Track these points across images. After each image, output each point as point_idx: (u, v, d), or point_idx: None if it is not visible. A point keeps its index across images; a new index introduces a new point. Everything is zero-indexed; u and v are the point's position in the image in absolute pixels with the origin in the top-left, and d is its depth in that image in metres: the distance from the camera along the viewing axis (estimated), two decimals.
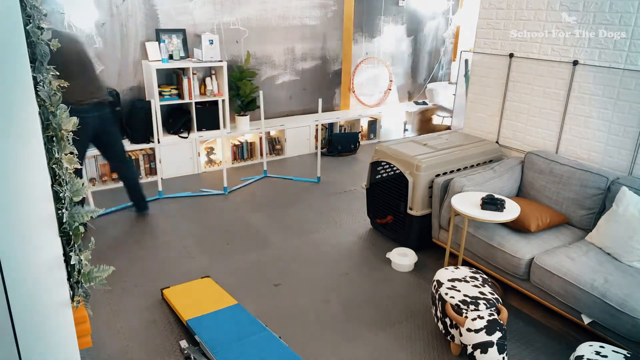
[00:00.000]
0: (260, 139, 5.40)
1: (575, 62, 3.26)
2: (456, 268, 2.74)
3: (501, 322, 2.31)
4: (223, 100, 5.08)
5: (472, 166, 3.61)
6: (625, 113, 3.05)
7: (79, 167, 1.79)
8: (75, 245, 1.49)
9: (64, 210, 1.42)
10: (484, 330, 2.26)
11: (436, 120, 6.71)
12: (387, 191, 3.68)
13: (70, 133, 1.50)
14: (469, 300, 2.43)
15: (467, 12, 6.71)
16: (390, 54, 6.71)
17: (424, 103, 6.85)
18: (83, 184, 1.57)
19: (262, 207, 4.35)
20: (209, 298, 2.87)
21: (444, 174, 3.44)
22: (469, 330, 2.30)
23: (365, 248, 3.66)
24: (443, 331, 2.53)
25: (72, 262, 1.48)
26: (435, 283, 2.67)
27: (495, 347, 2.25)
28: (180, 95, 4.93)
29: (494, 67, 3.81)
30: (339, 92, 6.39)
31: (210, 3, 5.08)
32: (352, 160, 5.71)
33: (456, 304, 2.42)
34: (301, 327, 2.76)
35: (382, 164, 3.77)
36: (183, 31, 4.98)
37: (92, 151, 4.45)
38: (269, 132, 5.64)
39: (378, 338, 2.68)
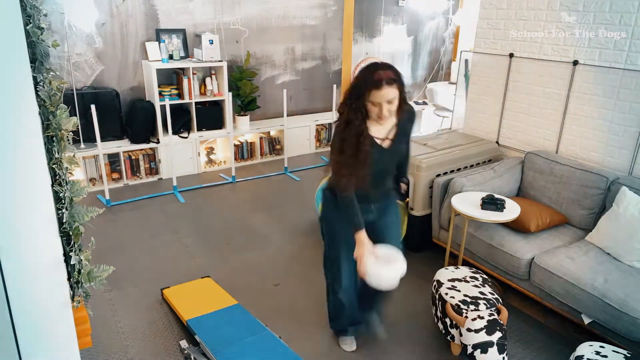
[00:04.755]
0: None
1: (575, 62, 3.26)
2: (456, 268, 2.74)
3: (501, 322, 2.31)
4: (221, 100, 5.08)
5: (472, 166, 3.61)
6: (625, 113, 3.05)
7: None
8: (75, 245, 1.49)
9: (64, 210, 1.42)
10: (484, 330, 2.26)
11: (436, 119, 6.71)
12: None
13: (71, 133, 1.50)
14: (469, 300, 2.43)
15: (467, 12, 6.71)
16: (390, 54, 6.70)
17: (424, 103, 6.85)
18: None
19: (263, 206, 4.35)
20: (209, 298, 2.87)
21: (444, 173, 3.44)
22: (469, 330, 2.30)
23: None
24: (443, 331, 2.53)
25: (72, 262, 1.48)
26: (435, 283, 2.67)
27: (495, 347, 2.25)
28: (180, 95, 4.93)
29: (494, 67, 3.81)
30: (339, 92, 6.39)
31: (210, 3, 5.08)
32: None
33: (456, 304, 2.42)
34: (301, 327, 2.76)
35: None
36: (183, 31, 4.98)
37: (92, 151, 4.46)
38: (269, 132, 5.64)
39: (378, 338, 2.68)
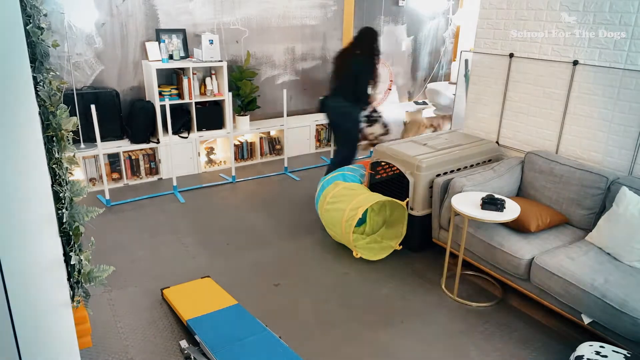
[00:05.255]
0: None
1: (575, 62, 3.26)
2: None
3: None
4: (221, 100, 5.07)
5: (472, 166, 3.61)
6: (625, 113, 3.05)
7: None
8: (75, 245, 1.49)
9: (64, 210, 1.42)
10: None
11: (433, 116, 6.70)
12: (387, 191, 3.68)
13: (70, 133, 1.50)
14: None
15: (467, 12, 6.71)
16: (390, 54, 6.70)
17: (424, 103, 6.85)
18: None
19: (263, 206, 4.35)
20: (209, 298, 2.87)
21: (444, 173, 3.44)
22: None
23: None
24: None
25: (72, 262, 1.48)
26: None
27: None
28: (180, 95, 4.93)
29: (494, 67, 3.81)
30: None
31: (210, 3, 5.08)
32: None
33: None
34: (301, 327, 2.76)
35: (382, 164, 3.77)
36: (183, 31, 4.98)
37: (92, 151, 4.46)
38: (269, 132, 5.64)
39: (378, 338, 2.68)
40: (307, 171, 5.28)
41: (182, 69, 4.87)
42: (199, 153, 5.10)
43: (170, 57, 4.88)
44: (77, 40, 4.52)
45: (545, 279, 2.67)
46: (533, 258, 2.77)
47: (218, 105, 5.15)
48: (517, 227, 2.95)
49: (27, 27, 1.28)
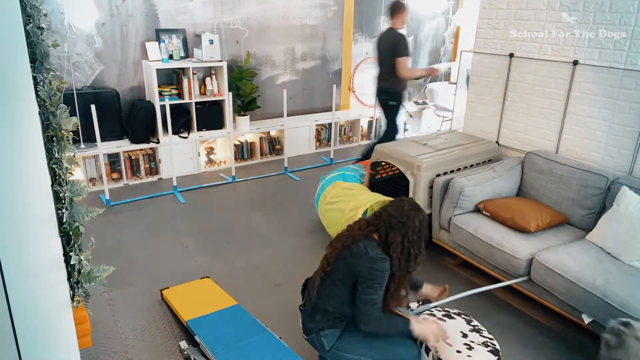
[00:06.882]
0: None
1: (575, 62, 3.26)
2: None
3: None
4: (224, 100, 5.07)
5: (472, 166, 3.61)
6: (625, 113, 3.05)
7: None
8: (75, 245, 1.49)
9: (64, 210, 1.42)
10: None
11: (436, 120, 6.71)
12: (387, 191, 3.68)
13: (70, 133, 1.50)
14: None
15: (467, 12, 6.71)
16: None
17: (424, 103, 6.85)
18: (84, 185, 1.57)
19: (263, 206, 4.35)
20: (208, 298, 2.86)
21: (444, 173, 3.44)
22: None
23: None
24: None
25: (72, 262, 1.48)
26: None
27: None
28: (180, 95, 4.93)
29: (494, 67, 3.81)
30: (339, 92, 6.39)
31: (210, 3, 5.08)
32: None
33: None
34: (301, 327, 2.76)
35: (382, 164, 3.77)
36: (183, 31, 4.98)
37: (92, 151, 4.46)
38: (269, 132, 5.64)
39: None
40: (307, 171, 5.28)
41: (182, 69, 4.87)
42: (199, 153, 5.10)
43: (170, 57, 4.88)
44: (77, 40, 4.52)
45: (546, 276, 2.67)
46: (533, 257, 2.76)
47: (218, 105, 5.15)
48: (517, 227, 2.95)
49: (27, 27, 1.28)
